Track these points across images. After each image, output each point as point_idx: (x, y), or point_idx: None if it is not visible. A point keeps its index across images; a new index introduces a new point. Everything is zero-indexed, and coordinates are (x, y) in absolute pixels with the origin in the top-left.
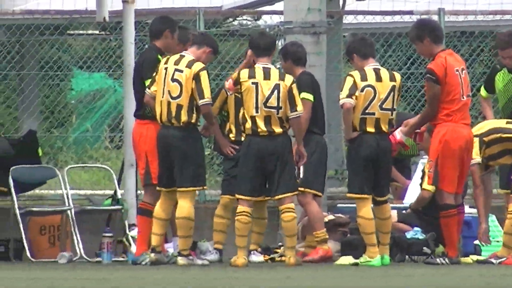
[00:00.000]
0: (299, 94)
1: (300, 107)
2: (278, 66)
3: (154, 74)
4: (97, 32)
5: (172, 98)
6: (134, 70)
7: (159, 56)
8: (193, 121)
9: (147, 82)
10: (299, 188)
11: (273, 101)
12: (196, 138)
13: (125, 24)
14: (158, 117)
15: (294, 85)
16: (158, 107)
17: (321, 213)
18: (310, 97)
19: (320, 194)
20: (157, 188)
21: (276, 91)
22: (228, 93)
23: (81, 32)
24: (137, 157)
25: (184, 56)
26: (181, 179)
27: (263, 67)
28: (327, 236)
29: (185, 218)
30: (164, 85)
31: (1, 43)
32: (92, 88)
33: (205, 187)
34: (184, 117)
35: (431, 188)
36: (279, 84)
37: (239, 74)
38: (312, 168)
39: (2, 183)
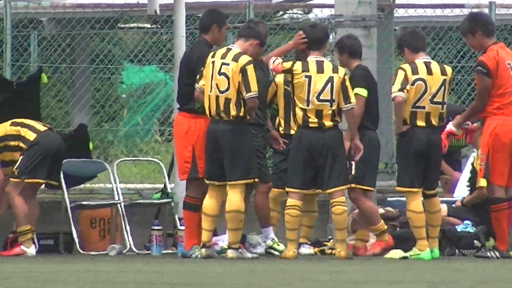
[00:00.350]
0: (353, 89)
1: (353, 99)
2: (329, 59)
3: (202, 69)
4: (148, 25)
5: (220, 92)
6: (182, 63)
7: (209, 51)
8: (241, 114)
9: (197, 77)
10: (351, 184)
11: (326, 94)
12: (245, 131)
13: (176, 17)
14: (207, 111)
15: (347, 77)
16: (207, 101)
17: (374, 207)
18: (363, 92)
19: (372, 189)
20: (207, 181)
21: (329, 84)
22: (271, 74)
23: (132, 25)
24: (180, 149)
25: (231, 49)
26: (231, 173)
27: (316, 60)
28: (386, 227)
29: (235, 211)
30: (212, 79)
31: (52, 36)
32: (143, 82)
33: (256, 180)
34: (233, 111)
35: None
36: (332, 76)
37: (293, 64)
38: (364, 164)
39: (54, 178)
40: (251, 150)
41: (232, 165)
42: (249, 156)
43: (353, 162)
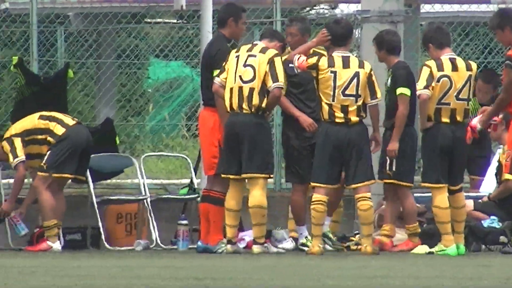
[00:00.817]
0: (396, 89)
1: (379, 94)
2: (355, 54)
3: (224, 64)
4: (174, 20)
5: (244, 82)
6: (203, 59)
7: (228, 45)
8: (263, 105)
9: (215, 72)
10: (392, 181)
11: (352, 89)
12: (265, 125)
13: (202, 12)
14: (227, 104)
15: (373, 72)
16: (228, 94)
17: (415, 207)
18: (408, 92)
19: (411, 185)
20: (222, 175)
21: (355, 79)
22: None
23: (158, 20)
24: (207, 145)
25: (257, 44)
26: (249, 166)
27: (342, 56)
28: (419, 230)
29: (257, 206)
30: (235, 72)
31: (79, 31)
32: (169, 77)
33: (271, 175)
34: (255, 100)
35: None
36: (358, 72)
37: (318, 60)
38: (406, 160)
39: (82, 172)
40: (270, 144)
41: (251, 159)
42: (267, 150)
43: (393, 159)
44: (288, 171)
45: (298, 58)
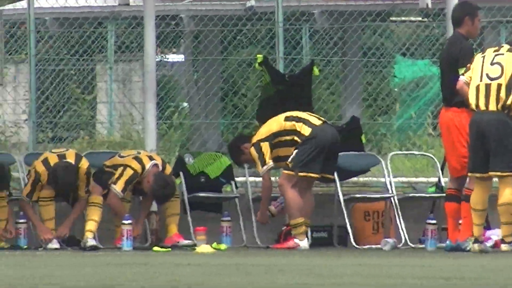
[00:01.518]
0: None
1: None
2: None
3: (468, 65)
4: (419, 18)
5: (492, 79)
6: (443, 59)
7: (469, 43)
8: (508, 102)
9: (461, 70)
10: None
11: None
12: (510, 123)
13: (448, 10)
14: (473, 103)
15: None
16: (473, 92)
17: None
18: None
19: None
20: (469, 174)
21: None
22: None
23: (403, 18)
24: (452, 146)
25: (503, 45)
26: (496, 164)
27: None
28: None
29: (506, 204)
30: (481, 71)
31: (324, 29)
32: (416, 76)
33: None
34: (502, 96)
35: None
36: None
37: None
38: None
39: (329, 171)
40: None
41: (496, 156)
42: None
43: None
44: None
45: None
